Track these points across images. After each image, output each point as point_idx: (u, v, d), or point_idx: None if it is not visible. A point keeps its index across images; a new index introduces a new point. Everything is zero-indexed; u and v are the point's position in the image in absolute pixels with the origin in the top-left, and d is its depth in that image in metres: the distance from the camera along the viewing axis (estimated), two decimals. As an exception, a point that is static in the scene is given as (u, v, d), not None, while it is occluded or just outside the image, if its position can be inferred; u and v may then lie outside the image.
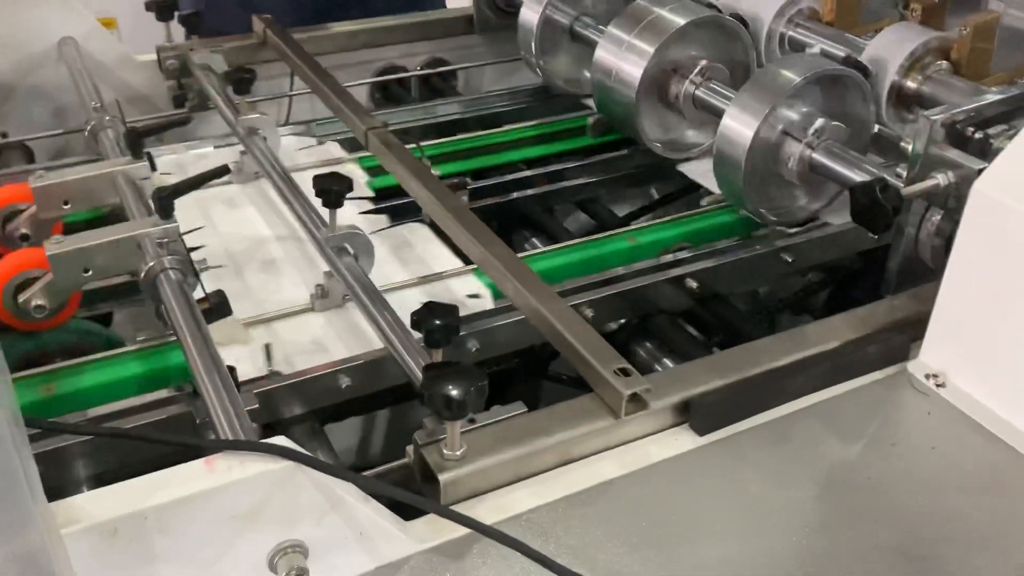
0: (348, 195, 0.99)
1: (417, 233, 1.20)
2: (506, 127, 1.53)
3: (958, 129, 0.91)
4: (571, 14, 1.51)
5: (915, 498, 0.75)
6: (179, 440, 0.68)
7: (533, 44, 1.49)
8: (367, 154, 1.32)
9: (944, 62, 1.15)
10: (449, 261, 1.13)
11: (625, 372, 0.78)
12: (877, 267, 1.06)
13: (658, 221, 1.23)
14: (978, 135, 0.91)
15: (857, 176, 1.05)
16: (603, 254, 1.17)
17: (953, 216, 0.90)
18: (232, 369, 0.82)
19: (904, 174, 0.95)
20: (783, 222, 1.18)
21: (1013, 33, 1.14)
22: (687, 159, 1.37)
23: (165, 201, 0.95)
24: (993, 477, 0.77)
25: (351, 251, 1.00)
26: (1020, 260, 0.78)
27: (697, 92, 1.27)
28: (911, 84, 1.15)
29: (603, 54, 1.33)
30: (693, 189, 1.39)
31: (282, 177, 1.16)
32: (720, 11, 1.36)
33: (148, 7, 1.48)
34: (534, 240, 1.36)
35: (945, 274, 0.84)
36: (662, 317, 1.12)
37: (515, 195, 1.31)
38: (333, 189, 0.96)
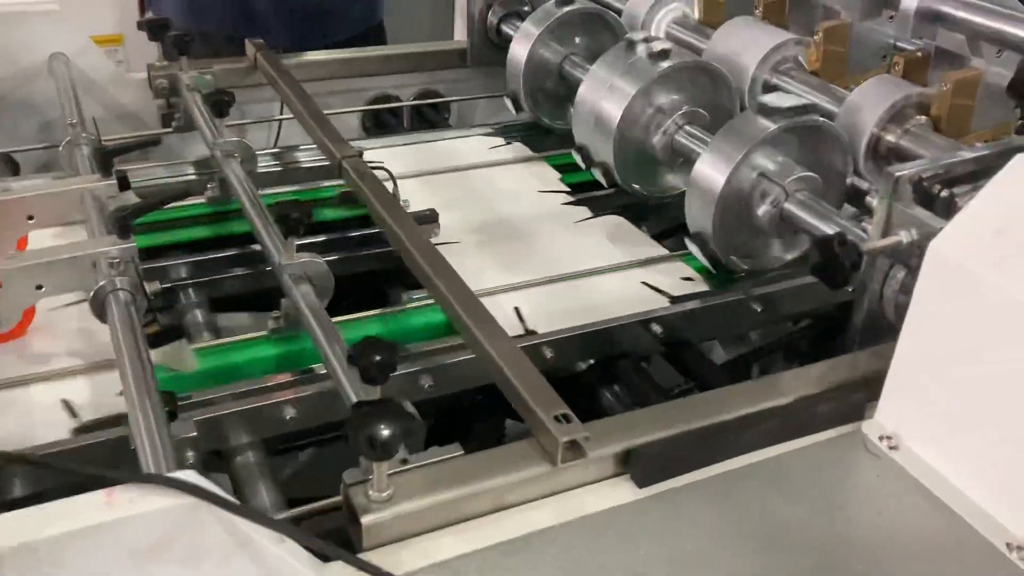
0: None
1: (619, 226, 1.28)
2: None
3: (924, 186, 0.90)
4: (561, 52, 1.51)
5: (855, 565, 0.73)
6: (80, 470, 0.67)
7: (521, 79, 1.49)
8: (557, 152, 1.46)
9: (924, 117, 1.14)
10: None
11: (565, 418, 0.76)
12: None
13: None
14: (944, 193, 0.89)
15: (828, 229, 1.04)
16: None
17: (916, 276, 0.88)
18: (170, 395, 0.81)
19: (869, 229, 0.93)
20: (755, 270, 1.17)
21: (995, 91, 1.13)
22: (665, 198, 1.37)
23: (124, 221, 0.95)
24: (937, 545, 0.74)
25: (309, 279, 0.99)
26: (975, 323, 0.76)
27: (676, 136, 1.26)
28: (889, 138, 1.14)
29: (586, 94, 1.33)
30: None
31: (252, 202, 1.15)
32: (706, 63, 1.36)
33: (140, 26, 1.49)
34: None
35: (901, 333, 0.82)
36: (627, 362, 1.10)
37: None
38: (292, 216, 0.95)
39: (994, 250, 0.74)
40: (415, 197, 1.30)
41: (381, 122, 1.75)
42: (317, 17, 1.77)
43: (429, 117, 1.77)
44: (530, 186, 1.43)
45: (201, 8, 1.76)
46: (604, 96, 1.29)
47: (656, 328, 1.08)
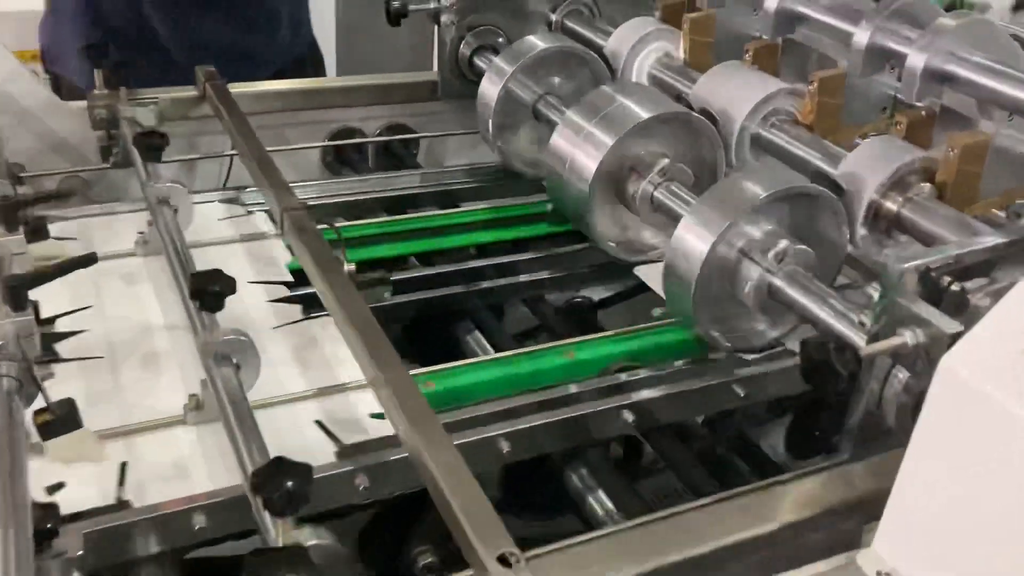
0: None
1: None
2: (461, 207, 1.42)
3: (932, 278, 0.78)
4: (536, 92, 1.40)
5: None
6: None
7: (491, 121, 1.38)
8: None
9: (928, 185, 1.03)
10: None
11: (505, 561, 0.64)
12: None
13: (601, 335, 1.11)
14: (955, 287, 0.78)
15: (820, 310, 0.93)
16: (536, 370, 1.04)
17: (922, 380, 0.77)
18: (47, 507, 0.69)
19: (868, 322, 0.82)
20: (739, 348, 1.06)
21: (1005, 155, 1.02)
22: (646, 261, 1.25)
23: (18, 291, 0.82)
24: None
25: (233, 360, 0.87)
26: (993, 453, 0.65)
27: (656, 193, 1.15)
28: (890, 206, 1.03)
29: (559, 141, 1.22)
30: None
31: (180, 258, 1.03)
32: (689, 105, 1.25)
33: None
34: (472, 340, 1.23)
35: (906, 456, 0.71)
36: (597, 450, 0.99)
37: (449, 290, 1.19)
38: (210, 290, 0.83)
39: (1017, 373, 0.63)
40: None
41: (343, 159, 1.63)
42: (234, 58, 1.65)
43: (397, 152, 1.65)
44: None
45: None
46: (579, 144, 1.18)
47: (628, 415, 0.96)
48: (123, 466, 0.84)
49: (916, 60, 0.96)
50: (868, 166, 1.05)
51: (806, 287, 0.96)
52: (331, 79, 1.64)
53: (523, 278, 1.27)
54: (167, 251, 1.06)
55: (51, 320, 1.02)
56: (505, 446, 0.90)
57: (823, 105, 1.18)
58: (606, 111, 1.19)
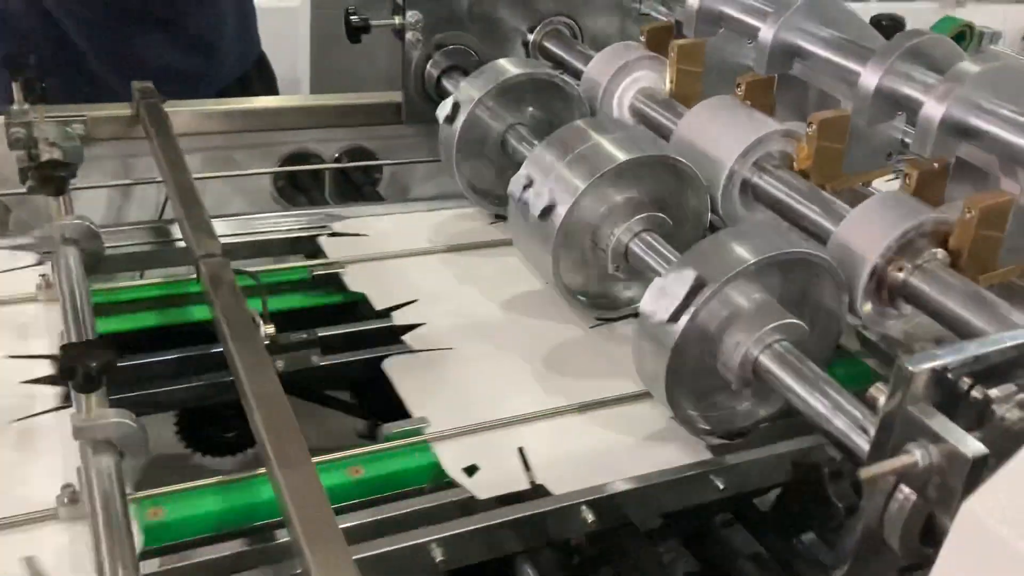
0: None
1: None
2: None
3: (950, 381, 0.65)
4: (506, 120, 1.26)
5: None
6: None
7: (454, 148, 1.24)
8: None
9: (940, 251, 0.90)
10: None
11: None
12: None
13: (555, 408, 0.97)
14: (976, 393, 0.65)
15: (811, 396, 0.79)
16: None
17: (933, 505, 0.64)
18: None
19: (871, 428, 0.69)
20: (719, 432, 0.92)
21: (1028, 220, 0.89)
22: (622, 316, 1.12)
23: None
24: None
25: (115, 445, 0.73)
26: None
27: (631, 245, 1.02)
28: (897, 274, 0.90)
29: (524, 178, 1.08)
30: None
31: (73, 307, 0.89)
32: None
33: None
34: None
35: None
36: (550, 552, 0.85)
37: (387, 350, 1.04)
38: (83, 367, 0.69)
39: (1062, 530, 0.50)
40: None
41: (298, 185, 1.50)
42: (169, 77, 1.51)
43: (355, 180, 1.52)
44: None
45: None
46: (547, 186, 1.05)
47: (587, 514, 0.83)
48: None
49: (933, 111, 0.83)
50: (872, 226, 0.91)
51: (798, 369, 0.82)
52: (286, 98, 1.50)
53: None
54: (63, 301, 0.92)
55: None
56: (438, 554, 0.76)
57: (823, 150, 1.05)
58: (579, 150, 1.05)
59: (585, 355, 1.05)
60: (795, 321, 0.86)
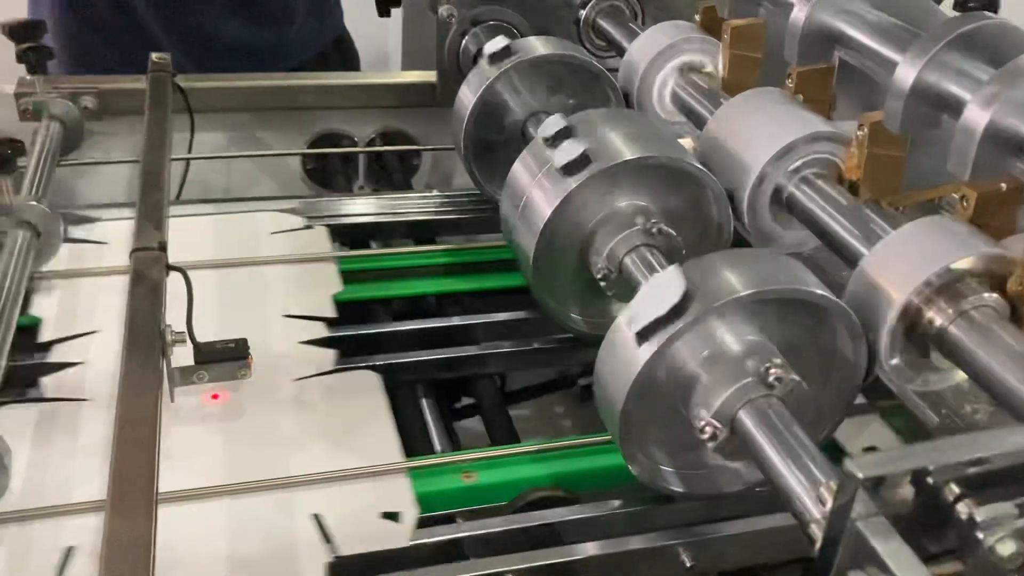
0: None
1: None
2: (429, 246, 1.17)
3: (932, 487, 0.48)
4: (530, 106, 1.13)
5: None
6: None
7: (462, 136, 1.12)
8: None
9: (995, 295, 0.70)
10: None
11: None
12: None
13: (515, 450, 0.83)
14: (962, 509, 0.47)
15: (787, 470, 0.63)
16: (417, 495, 0.78)
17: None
18: None
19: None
20: (698, 494, 0.76)
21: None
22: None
23: None
24: None
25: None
26: None
27: (626, 260, 0.87)
28: (935, 320, 0.71)
29: (518, 172, 0.95)
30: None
31: (5, 299, 0.83)
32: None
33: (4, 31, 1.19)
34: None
35: None
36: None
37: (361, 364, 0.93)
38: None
39: None
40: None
41: (328, 169, 1.41)
42: (240, 55, 1.44)
43: (390, 165, 1.42)
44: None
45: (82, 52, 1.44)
46: (538, 183, 0.91)
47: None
48: None
49: (976, 117, 0.63)
50: (907, 258, 0.73)
51: (782, 438, 0.66)
52: (309, 75, 1.41)
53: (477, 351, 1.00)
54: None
55: None
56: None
57: (875, 158, 0.85)
58: (589, 139, 0.91)
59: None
60: (793, 377, 0.69)
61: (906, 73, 0.69)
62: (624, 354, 0.70)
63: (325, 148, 1.38)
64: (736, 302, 0.69)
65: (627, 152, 0.87)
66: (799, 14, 0.82)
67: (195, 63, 1.43)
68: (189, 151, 1.29)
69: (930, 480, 0.48)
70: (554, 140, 0.89)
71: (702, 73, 1.12)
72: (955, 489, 0.48)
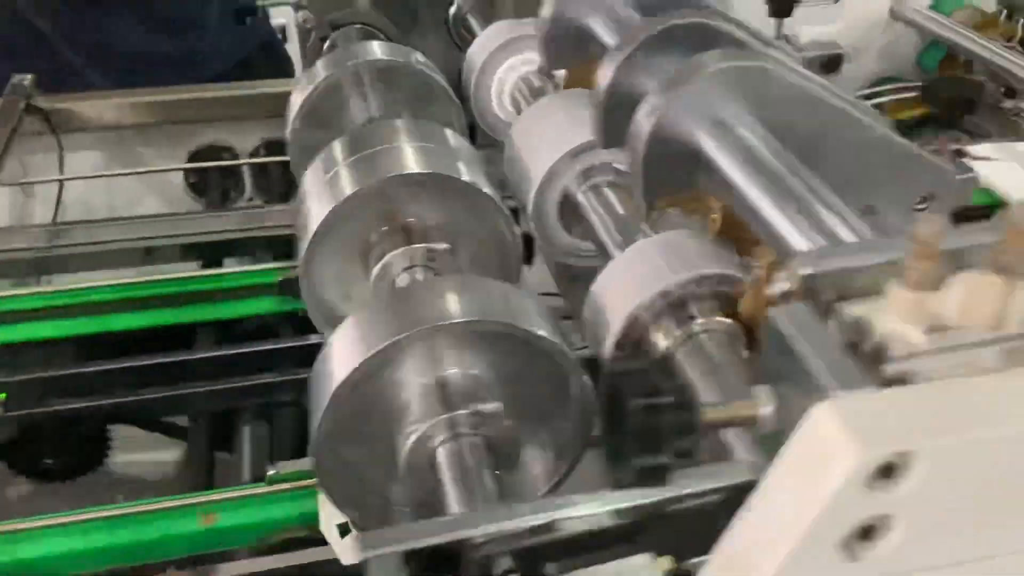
0: None
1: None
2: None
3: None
4: (366, 113, 1.07)
5: None
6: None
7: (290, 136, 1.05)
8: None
9: (728, 321, 0.62)
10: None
11: None
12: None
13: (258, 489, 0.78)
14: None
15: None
16: (158, 538, 0.73)
17: None
18: None
19: None
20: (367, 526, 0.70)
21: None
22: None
23: None
24: None
25: None
26: None
27: (398, 279, 0.80)
28: (659, 343, 0.63)
29: (307, 177, 0.88)
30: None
31: None
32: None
33: None
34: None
35: None
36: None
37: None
38: None
39: None
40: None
41: (210, 183, 1.38)
42: (151, 63, 1.41)
43: (275, 176, 1.38)
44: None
45: None
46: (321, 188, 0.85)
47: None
48: None
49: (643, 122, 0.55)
50: (635, 276, 0.65)
51: (465, 473, 0.60)
52: (187, 88, 1.37)
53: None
54: None
55: None
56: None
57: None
58: (369, 152, 0.85)
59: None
60: (494, 409, 0.62)
61: (604, 74, 0.62)
62: (322, 386, 0.65)
63: (205, 162, 1.35)
64: (431, 330, 0.63)
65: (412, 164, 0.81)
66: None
67: (110, 78, 1.41)
68: (60, 172, 1.27)
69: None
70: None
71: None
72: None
